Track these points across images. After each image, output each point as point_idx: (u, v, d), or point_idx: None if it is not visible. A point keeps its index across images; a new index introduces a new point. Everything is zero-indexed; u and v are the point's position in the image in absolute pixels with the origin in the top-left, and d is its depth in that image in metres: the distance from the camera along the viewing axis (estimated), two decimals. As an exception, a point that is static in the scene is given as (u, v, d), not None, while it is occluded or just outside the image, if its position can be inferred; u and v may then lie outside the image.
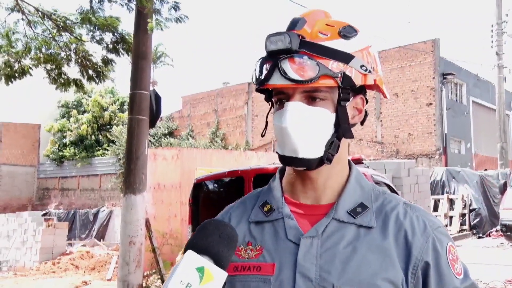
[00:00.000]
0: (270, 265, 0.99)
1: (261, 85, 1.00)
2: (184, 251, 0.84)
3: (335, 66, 0.97)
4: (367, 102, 1.09)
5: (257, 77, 1.00)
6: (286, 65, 0.96)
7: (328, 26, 1.01)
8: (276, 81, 0.97)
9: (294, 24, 1.00)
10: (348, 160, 1.10)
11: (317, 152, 0.99)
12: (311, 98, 0.99)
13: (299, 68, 0.95)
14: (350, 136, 1.02)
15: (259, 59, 1.01)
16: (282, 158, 1.02)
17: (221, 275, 0.83)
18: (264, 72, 0.99)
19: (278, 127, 1.00)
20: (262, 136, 1.16)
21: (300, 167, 1.01)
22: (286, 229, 1.01)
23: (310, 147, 0.99)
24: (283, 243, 1.00)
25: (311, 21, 1.01)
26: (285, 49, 0.96)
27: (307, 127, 0.98)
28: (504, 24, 19.58)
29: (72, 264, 11.33)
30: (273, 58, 0.97)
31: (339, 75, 0.97)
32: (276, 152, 1.04)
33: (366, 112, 1.09)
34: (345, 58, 0.98)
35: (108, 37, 7.17)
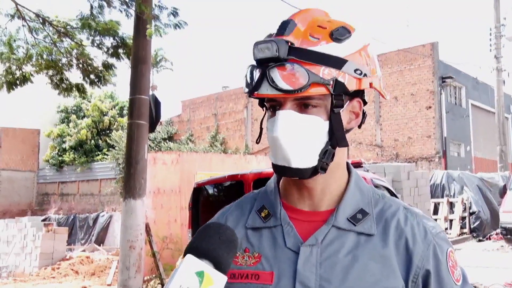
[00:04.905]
0: (268, 274, 0.96)
1: (251, 95, 0.96)
2: (184, 255, 0.83)
3: (326, 72, 0.92)
4: (365, 103, 1.04)
5: (247, 85, 0.97)
6: (275, 74, 0.91)
7: (320, 28, 0.96)
8: (265, 90, 0.93)
9: (283, 28, 0.96)
10: (347, 163, 1.06)
11: (310, 161, 0.96)
12: (303, 105, 0.95)
13: (288, 77, 0.91)
14: (345, 144, 0.98)
15: (249, 66, 0.97)
16: (275, 167, 0.99)
17: (221, 279, 0.82)
18: (254, 80, 0.95)
19: (270, 136, 0.97)
20: (257, 143, 1.12)
21: (293, 177, 0.98)
22: (285, 237, 0.99)
23: (303, 156, 0.95)
24: (281, 251, 0.98)
25: (303, 21, 0.97)
26: (273, 57, 0.92)
27: (299, 136, 0.94)
28: (502, 27, 19.62)
29: (72, 269, 11.28)
30: (262, 67, 0.93)
31: (331, 82, 0.92)
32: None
33: (364, 113, 1.05)
34: (337, 63, 0.94)
35: (108, 41, 7.21)
